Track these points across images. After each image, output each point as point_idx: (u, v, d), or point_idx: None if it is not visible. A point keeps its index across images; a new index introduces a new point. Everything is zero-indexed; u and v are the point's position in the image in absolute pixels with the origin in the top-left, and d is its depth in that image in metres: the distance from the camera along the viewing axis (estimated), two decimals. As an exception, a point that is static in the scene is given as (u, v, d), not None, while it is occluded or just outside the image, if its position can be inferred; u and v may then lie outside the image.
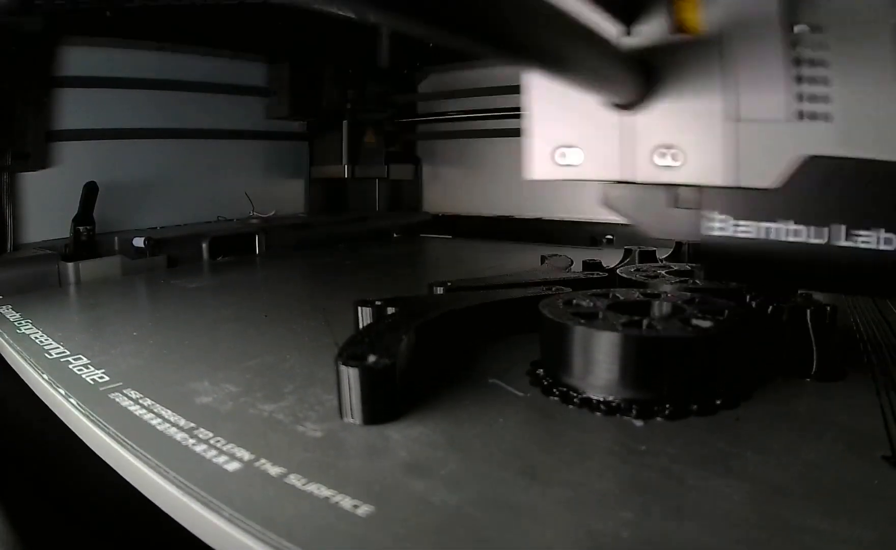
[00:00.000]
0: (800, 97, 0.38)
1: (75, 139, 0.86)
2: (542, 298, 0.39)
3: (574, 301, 0.38)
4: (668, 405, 0.32)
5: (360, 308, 0.41)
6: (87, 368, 0.41)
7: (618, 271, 0.51)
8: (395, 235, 1.16)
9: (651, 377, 0.32)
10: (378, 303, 0.41)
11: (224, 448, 0.29)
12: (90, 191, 0.79)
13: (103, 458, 0.31)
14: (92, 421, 0.33)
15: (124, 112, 0.91)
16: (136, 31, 0.89)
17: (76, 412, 0.34)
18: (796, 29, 0.38)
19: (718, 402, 0.32)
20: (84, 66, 0.87)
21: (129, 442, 0.30)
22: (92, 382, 0.38)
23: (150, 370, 0.41)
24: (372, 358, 0.31)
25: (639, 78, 0.39)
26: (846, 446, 0.29)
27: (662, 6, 0.41)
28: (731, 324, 0.34)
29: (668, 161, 0.41)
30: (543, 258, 0.64)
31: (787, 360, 0.37)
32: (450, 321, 0.41)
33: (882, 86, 0.37)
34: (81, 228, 0.78)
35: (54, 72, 0.84)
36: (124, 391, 0.36)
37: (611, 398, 0.32)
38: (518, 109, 1.11)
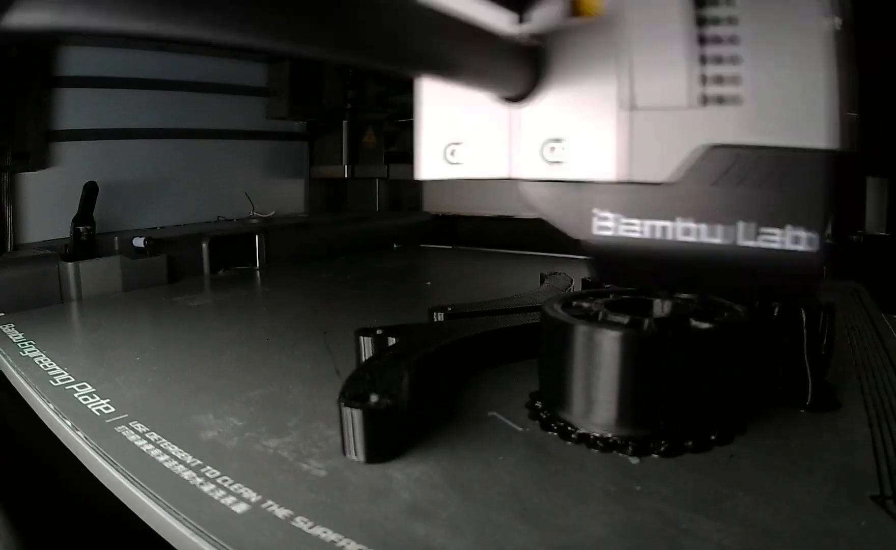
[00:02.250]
0: (704, 80, 0.34)
1: (75, 139, 0.86)
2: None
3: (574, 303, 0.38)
4: (663, 442, 0.32)
5: (361, 338, 0.41)
6: (93, 397, 0.41)
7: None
8: (395, 245, 1.16)
9: (651, 385, 0.32)
10: (379, 332, 0.41)
11: (231, 488, 0.29)
12: (90, 191, 0.79)
13: (115, 494, 0.32)
14: (100, 456, 0.33)
15: (124, 112, 0.91)
16: (136, 32, 0.88)
17: (84, 446, 0.35)
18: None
19: (713, 437, 0.33)
20: (84, 66, 0.87)
21: (140, 482, 0.30)
22: (98, 413, 0.39)
23: (155, 401, 0.41)
24: (374, 398, 0.31)
25: (527, 68, 0.37)
26: (836, 485, 0.29)
27: None
28: (733, 324, 0.34)
29: (556, 156, 0.38)
30: (543, 277, 0.64)
31: (782, 389, 0.37)
32: (450, 352, 0.42)
33: (802, 62, 0.33)
34: (81, 228, 0.78)
35: (54, 72, 0.84)
36: (130, 424, 0.37)
37: (608, 435, 0.33)
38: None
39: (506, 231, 1.15)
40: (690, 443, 0.32)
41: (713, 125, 0.35)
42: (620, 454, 0.32)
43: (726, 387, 0.34)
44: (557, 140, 0.38)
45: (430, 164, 0.43)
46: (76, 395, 0.42)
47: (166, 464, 0.32)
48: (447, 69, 0.28)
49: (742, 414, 0.35)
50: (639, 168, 0.37)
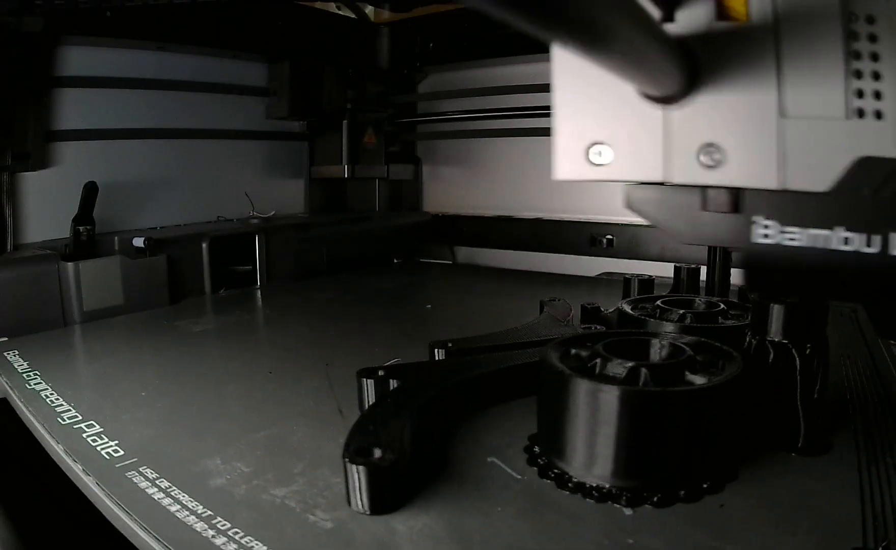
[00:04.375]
0: (857, 93, 0.35)
1: (75, 139, 0.86)
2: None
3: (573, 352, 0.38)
4: (657, 493, 0.33)
5: (364, 381, 0.42)
6: (101, 438, 0.42)
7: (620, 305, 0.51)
8: (395, 260, 1.16)
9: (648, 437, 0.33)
10: (381, 374, 0.42)
11: (243, 542, 0.30)
12: (90, 191, 0.79)
13: (130, 541, 0.32)
14: (114, 504, 0.34)
15: (124, 112, 0.91)
16: (136, 31, 0.88)
17: (98, 492, 0.35)
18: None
19: (705, 486, 0.33)
20: (84, 66, 0.86)
21: (156, 534, 0.31)
22: (108, 456, 0.39)
23: (163, 443, 0.41)
24: (377, 453, 0.32)
25: (683, 67, 0.36)
26: (822, 536, 0.30)
27: None
28: (727, 380, 0.34)
29: (712, 161, 0.38)
30: (542, 305, 0.64)
31: (774, 432, 0.38)
32: (452, 394, 0.42)
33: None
34: (81, 228, 0.78)
35: (54, 72, 0.83)
36: (140, 469, 0.37)
37: (604, 485, 0.33)
38: (517, 108, 1.11)
39: (506, 231, 1.16)
40: (682, 493, 0.33)
41: (867, 138, 0.35)
42: (615, 505, 0.33)
43: (720, 438, 0.34)
44: (713, 145, 0.37)
45: (568, 164, 0.41)
46: (84, 435, 0.42)
47: (178, 514, 0.32)
48: (606, 40, 0.25)
49: (734, 460, 0.36)
50: (798, 177, 0.37)
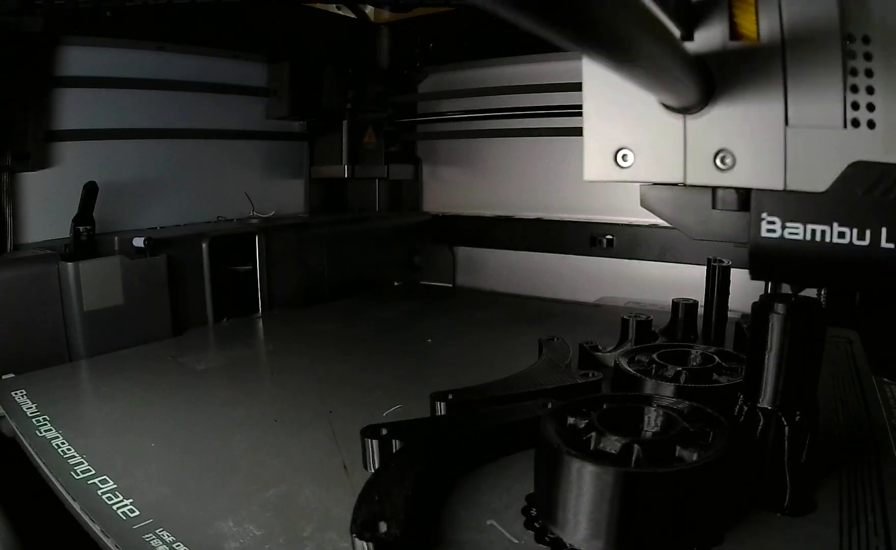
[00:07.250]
0: (853, 105, 0.39)
1: (75, 139, 0.86)
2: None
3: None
4: None
5: (368, 441, 0.43)
6: (116, 495, 0.42)
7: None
8: (395, 283, 1.17)
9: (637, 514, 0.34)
10: (384, 432, 0.43)
11: None
12: (90, 191, 0.79)
13: None
14: None
15: (124, 112, 0.91)
16: (136, 31, 0.88)
17: None
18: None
19: None
20: (84, 67, 0.86)
21: None
22: (124, 516, 0.39)
23: (176, 502, 0.41)
24: (383, 527, 0.33)
25: (700, 81, 0.39)
26: None
27: (721, 13, 0.41)
28: (719, 459, 0.35)
29: (726, 165, 0.41)
30: (541, 345, 0.64)
31: (760, 491, 0.39)
32: (453, 453, 0.43)
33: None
34: (81, 228, 0.79)
35: (54, 72, 0.83)
36: (157, 532, 0.38)
37: None
38: (517, 108, 1.11)
39: (506, 231, 1.16)
40: (670, 559, 0.34)
41: (860, 145, 0.39)
42: (607, 573, 0.33)
43: (708, 509, 0.35)
44: (726, 150, 0.41)
45: (597, 167, 0.45)
46: (99, 492, 0.42)
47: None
48: (633, 57, 0.27)
49: (720, 524, 0.37)
50: (799, 179, 0.41)
